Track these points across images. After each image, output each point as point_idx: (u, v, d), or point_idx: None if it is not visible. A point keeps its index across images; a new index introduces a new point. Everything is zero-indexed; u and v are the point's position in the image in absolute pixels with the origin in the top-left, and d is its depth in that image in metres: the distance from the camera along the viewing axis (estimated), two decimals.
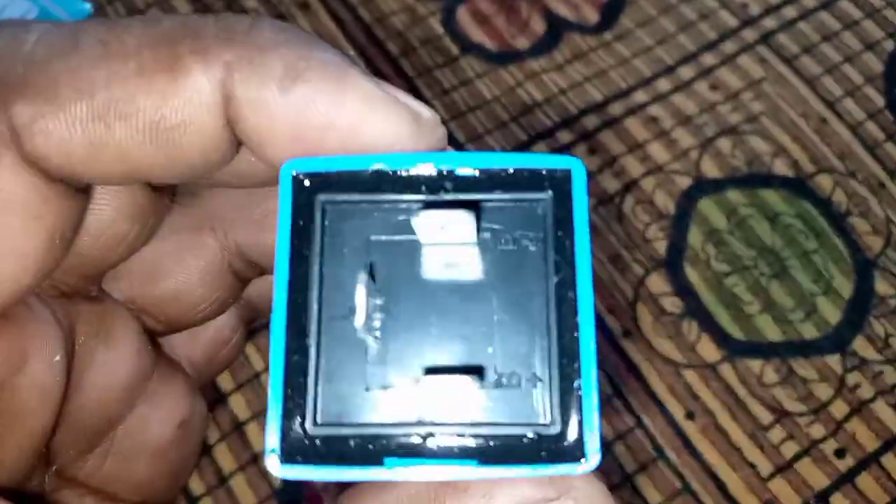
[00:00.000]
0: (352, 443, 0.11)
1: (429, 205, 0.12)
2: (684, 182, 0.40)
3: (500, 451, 0.11)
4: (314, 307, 0.12)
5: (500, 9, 0.45)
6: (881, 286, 0.38)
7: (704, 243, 0.39)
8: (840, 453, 0.35)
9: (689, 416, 0.35)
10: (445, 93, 0.42)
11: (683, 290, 0.38)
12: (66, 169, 0.13)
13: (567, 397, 0.11)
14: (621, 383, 0.36)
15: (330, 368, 0.12)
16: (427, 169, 0.12)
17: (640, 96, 0.42)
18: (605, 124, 0.41)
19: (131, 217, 0.15)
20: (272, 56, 0.12)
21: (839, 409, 0.35)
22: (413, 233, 0.12)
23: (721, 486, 0.34)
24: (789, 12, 0.44)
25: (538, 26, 0.44)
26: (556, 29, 0.44)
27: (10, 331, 0.14)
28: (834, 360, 0.36)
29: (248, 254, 0.17)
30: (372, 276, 0.12)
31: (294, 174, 0.12)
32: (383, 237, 0.12)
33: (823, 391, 0.36)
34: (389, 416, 0.11)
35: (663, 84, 0.42)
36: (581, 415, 0.11)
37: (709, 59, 0.43)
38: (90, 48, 0.12)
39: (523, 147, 0.41)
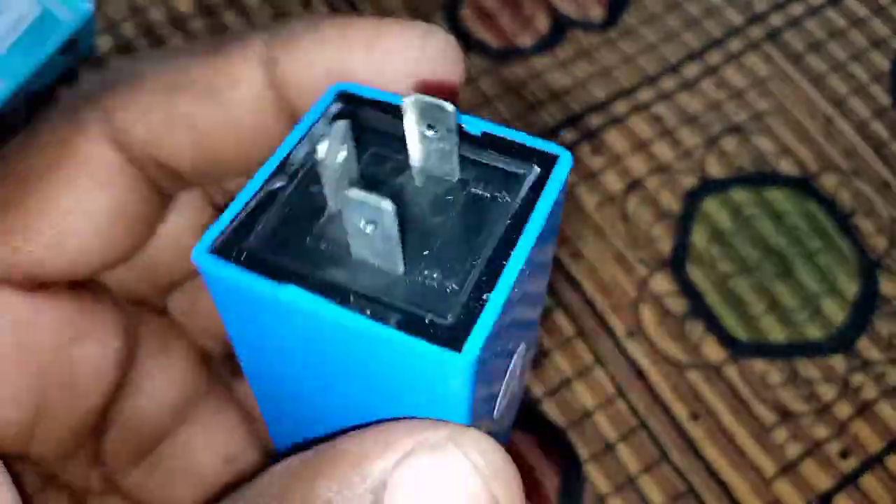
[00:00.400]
0: (271, 266, 0.12)
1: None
2: (689, 181, 0.40)
3: (394, 319, 0.12)
4: (301, 157, 0.13)
5: (504, 6, 0.44)
6: (886, 287, 0.38)
7: (709, 243, 0.39)
8: (844, 454, 0.35)
9: (693, 417, 0.35)
10: None
11: (688, 290, 0.38)
12: (145, 143, 0.15)
13: (472, 304, 0.12)
14: (625, 384, 0.36)
15: (288, 214, 0.13)
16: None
17: (644, 94, 0.42)
18: (609, 123, 0.41)
19: (203, 228, 0.17)
20: (296, 24, 0.15)
21: (843, 410, 0.35)
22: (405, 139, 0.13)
23: (725, 488, 0.34)
24: (796, 10, 0.44)
25: (542, 24, 0.44)
26: (560, 26, 0.44)
27: (74, 302, 0.15)
28: (838, 361, 0.36)
29: None
30: (362, 174, 0.13)
31: (337, 91, 0.14)
32: (382, 147, 0.14)
33: (827, 392, 0.36)
34: (315, 264, 0.12)
35: (668, 82, 0.42)
36: (476, 319, 0.11)
37: (714, 57, 0.43)
38: (167, 53, 0.15)
39: None
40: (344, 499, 0.11)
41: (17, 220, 0.14)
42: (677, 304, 0.37)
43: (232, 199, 0.13)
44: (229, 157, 0.15)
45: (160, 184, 0.15)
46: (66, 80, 0.42)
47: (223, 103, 0.14)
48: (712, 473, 0.34)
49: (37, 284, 0.14)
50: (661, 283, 0.38)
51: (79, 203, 0.14)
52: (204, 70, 0.14)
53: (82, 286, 0.16)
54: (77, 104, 0.15)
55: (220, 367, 0.20)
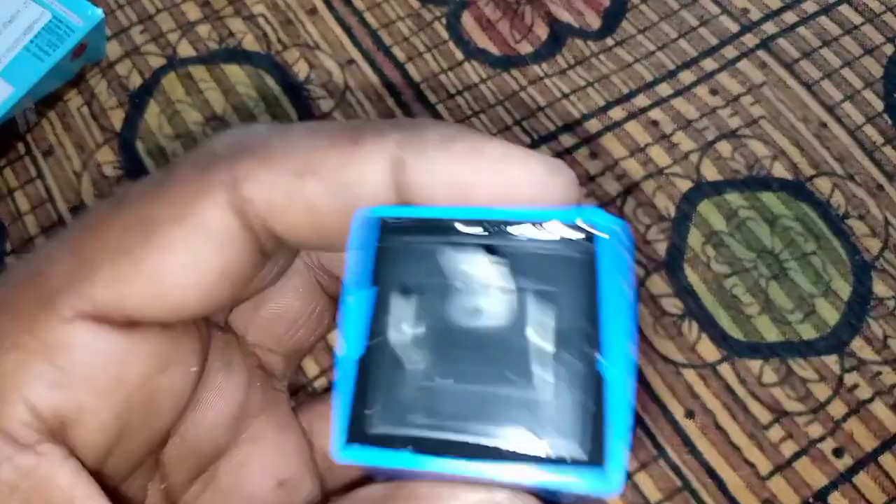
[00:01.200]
0: (399, 439, 0.13)
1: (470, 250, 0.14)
2: (685, 185, 0.40)
3: (530, 460, 0.13)
4: (373, 328, 0.14)
5: (504, 14, 0.45)
6: (879, 288, 0.38)
7: (704, 245, 0.39)
8: (838, 453, 0.35)
9: (689, 415, 0.36)
10: (450, 97, 0.43)
11: (683, 291, 0.38)
12: (265, 215, 0.15)
13: (596, 437, 0.13)
14: None
15: (387, 382, 0.14)
16: (489, 217, 0.14)
17: (641, 100, 0.43)
18: (607, 128, 0.42)
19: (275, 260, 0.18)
20: (431, 132, 0.15)
21: (837, 408, 0.36)
22: (459, 278, 0.14)
23: (720, 485, 0.35)
24: (790, 17, 0.45)
25: (541, 32, 0.45)
26: (559, 34, 0.45)
27: (166, 334, 0.16)
28: (832, 361, 0.37)
29: (331, 269, 0.20)
30: (421, 311, 0.14)
31: (370, 216, 0.15)
32: (434, 279, 0.14)
33: (822, 391, 0.36)
34: (432, 423, 0.13)
35: (664, 88, 0.43)
36: (610, 459, 0.13)
37: (709, 63, 0.44)
38: (300, 130, 0.16)
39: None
40: None
41: (130, 267, 0.15)
42: (673, 305, 0.38)
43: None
44: (340, 240, 0.16)
45: (268, 248, 0.16)
46: (76, 84, 0.43)
47: (347, 195, 0.15)
48: (708, 471, 0.35)
49: (132, 323, 0.15)
50: (658, 284, 0.38)
51: (191, 261, 0.15)
52: (336, 160, 0.15)
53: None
54: (210, 164, 0.15)
55: (277, 385, 0.20)
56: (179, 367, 0.16)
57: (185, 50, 0.44)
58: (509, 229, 0.14)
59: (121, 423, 0.15)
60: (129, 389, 0.15)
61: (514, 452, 0.13)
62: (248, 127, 0.16)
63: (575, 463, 0.13)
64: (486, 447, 0.13)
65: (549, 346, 0.13)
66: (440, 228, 0.14)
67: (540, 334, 0.13)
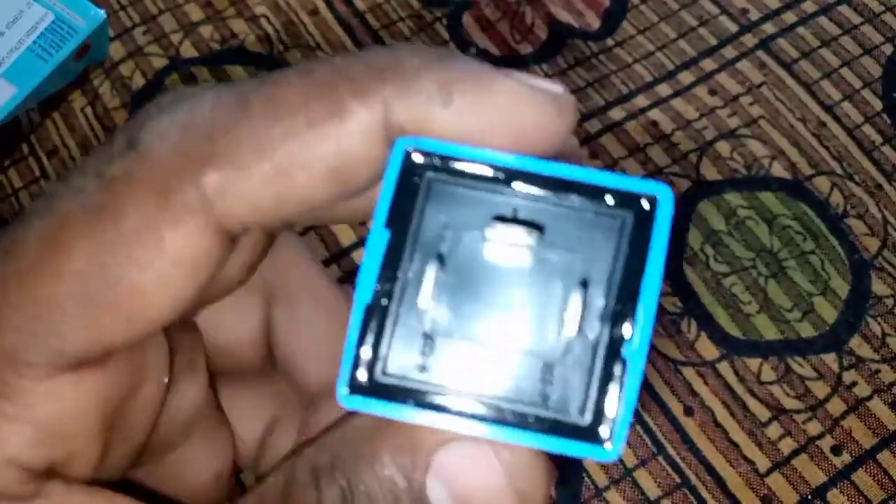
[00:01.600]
0: (403, 391, 0.13)
1: (502, 219, 0.14)
2: (684, 184, 0.41)
3: (531, 423, 0.13)
4: (394, 274, 0.14)
5: (505, 15, 0.46)
6: (877, 286, 0.38)
7: (703, 244, 0.39)
8: (836, 450, 0.35)
9: (688, 412, 0.36)
10: None
11: (683, 290, 0.38)
12: (255, 223, 0.14)
13: (602, 400, 0.13)
14: None
15: (400, 332, 0.14)
16: (526, 167, 0.14)
17: (640, 101, 0.43)
18: (607, 128, 0.42)
19: (249, 266, 0.17)
20: (424, 80, 0.13)
21: (836, 406, 0.36)
22: (487, 231, 0.14)
23: (719, 482, 0.35)
24: (789, 17, 0.45)
25: (541, 32, 0.45)
26: (559, 35, 0.45)
27: (136, 354, 0.15)
28: (831, 359, 0.37)
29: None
30: (443, 259, 0.14)
31: (407, 149, 0.14)
32: (463, 229, 0.14)
33: (820, 389, 0.36)
34: (439, 378, 0.13)
35: (664, 89, 0.43)
36: (615, 420, 0.13)
37: (709, 64, 0.44)
38: (262, 109, 0.13)
39: None
40: (400, 466, 0.14)
41: (105, 317, 0.14)
42: (673, 304, 0.38)
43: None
44: (327, 217, 0.15)
45: (237, 234, 0.15)
46: (79, 85, 0.43)
47: (342, 181, 0.14)
48: (707, 467, 0.35)
49: (107, 354, 0.15)
50: None
51: (166, 300, 0.14)
52: (326, 144, 0.13)
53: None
54: (174, 171, 0.13)
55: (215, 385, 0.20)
56: (152, 383, 0.16)
57: (187, 51, 0.45)
58: (547, 185, 0.13)
59: (105, 448, 0.15)
60: (110, 421, 0.15)
61: (519, 415, 0.13)
62: (191, 106, 0.14)
63: (577, 429, 0.13)
64: (492, 407, 0.13)
65: (568, 313, 0.13)
66: (481, 176, 0.14)
67: (562, 299, 0.13)
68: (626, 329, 0.13)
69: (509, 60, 0.44)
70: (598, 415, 0.13)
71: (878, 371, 0.37)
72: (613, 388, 0.13)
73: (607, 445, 0.13)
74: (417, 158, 0.13)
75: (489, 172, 0.13)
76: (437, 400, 0.13)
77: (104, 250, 0.13)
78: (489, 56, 0.44)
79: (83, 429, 0.15)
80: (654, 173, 0.41)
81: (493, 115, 0.13)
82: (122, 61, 0.44)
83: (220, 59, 0.44)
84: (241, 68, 0.44)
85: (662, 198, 0.13)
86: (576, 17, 0.45)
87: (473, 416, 0.13)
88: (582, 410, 0.13)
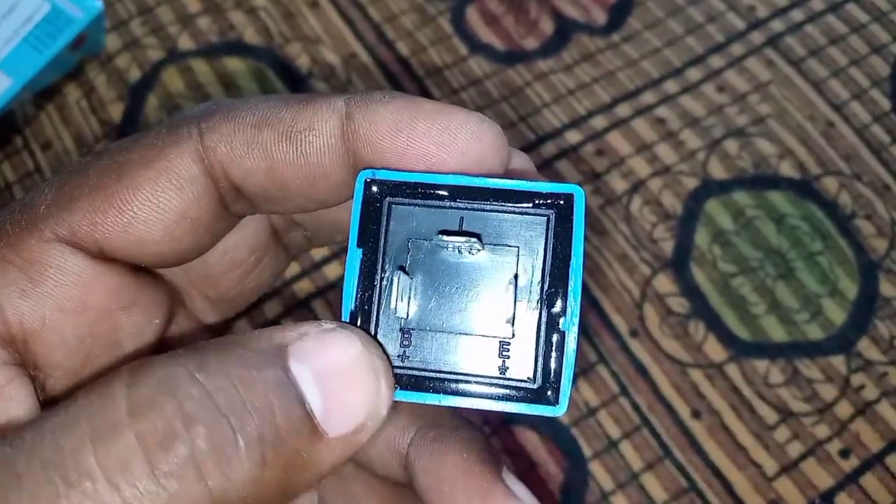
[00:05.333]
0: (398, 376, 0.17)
1: (449, 232, 0.17)
2: (691, 183, 0.40)
3: (493, 393, 0.17)
4: (371, 284, 0.17)
5: (509, 9, 0.45)
6: (886, 288, 0.38)
7: (711, 244, 0.39)
8: (845, 453, 0.35)
9: (696, 415, 0.36)
10: (454, 92, 0.42)
11: (690, 290, 0.38)
12: (226, 161, 0.17)
13: (548, 366, 0.16)
14: (628, 383, 0.36)
15: (381, 330, 0.17)
16: (463, 182, 0.17)
17: (647, 97, 0.42)
18: (613, 125, 0.41)
19: (255, 249, 0.21)
20: (376, 93, 0.17)
21: (844, 409, 0.36)
22: (440, 238, 0.17)
23: (727, 486, 0.34)
24: (797, 15, 0.44)
25: (546, 27, 0.44)
26: (565, 30, 0.44)
27: (131, 277, 0.18)
28: (839, 361, 0.37)
29: (299, 220, 0.22)
30: (409, 267, 0.17)
31: (366, 179, 0.17)
32: (421, 240, 0.17)
33: (828, 392, 0.36)
34: (418, 364, 0.17)
35: (671, 86, 0.43)
36: (560, 381, 0.16)
37: (716, 61, 0.43)
38: (261, 98, 0.18)
39: (531, 147, 0.41)
40: (253, 356, 0.15)
41: (102, 201, 0.17)
42: (680, 304, 0.38)
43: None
44: (295, 191, 0.17)
45: (229, 202, 0.18)
46: (75, 77, 0.42)
47: (298, 143, 0.17)
48: (714, 471, 0.35)
49: (107, 256, 0.17)
50: (664, 283, 0.38)
51: (153, 199, 0.17)
52: (289, 113, 0.17)
53: (143, 270, 0.18)
54: (180, 122, 0.18)
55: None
56: (142, 312, 0.18)
57: (185, 43, 0.44)
58: (483, 196, 0.17)
59: (83, 349, 0.17)
60: (92, 316, 0.17)
61: (483, 386, 0.16)
62: (217, 100, 0.18)
63: (530, 392, 0.16)
64: (460, 382, 0.16)
65: (514, 299, 0.16)
66: (429, 193, 0.17)
67: (508, 288, 0.17)
68: (560, 306, 0.16)
69: (513, 56, 0.43)
70: (546, 378, 0.16)
71: (885, 374, 0.36)
72: (556, 356, 0.16)
73: (555, 403, 0.16)
74: (376, 186, 0.17)
75: (437, 191, 0.17)
76: (417, 382, 0.16)
77: (123, 161, 0.17)
78: (493, 51, 0.44)
79: (62, 301, 0.17)
80: (662, 171, 0.40)
81: (419, 114, 0.17)
82: (119, 53, 0.43)
83: (219, 52, 0.43)
84: (239, 61, 0.43)
85: (577, 196, 0.16)
86: (581, 11, 0.45)
87: (446, 392, 0.16)
88: (532, 377, 0.16)
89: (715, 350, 0.37)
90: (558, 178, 0.40)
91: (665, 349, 0.37)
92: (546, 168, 0.40)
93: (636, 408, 0.36)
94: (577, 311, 0.16)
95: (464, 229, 0.17)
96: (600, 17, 0.45)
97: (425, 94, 0.42)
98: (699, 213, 0.39)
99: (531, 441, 0.35)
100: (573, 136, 0.41)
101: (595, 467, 0.35)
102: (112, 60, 0.43)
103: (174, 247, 0.17)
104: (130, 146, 0.17)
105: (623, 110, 0.42)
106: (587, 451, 0.35)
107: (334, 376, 0.15)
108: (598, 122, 0.42)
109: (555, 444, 0.35)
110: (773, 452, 0.35)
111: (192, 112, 0.18)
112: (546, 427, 0.35)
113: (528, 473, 0.34)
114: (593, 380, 0.36)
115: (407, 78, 0.43)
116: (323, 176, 0.17)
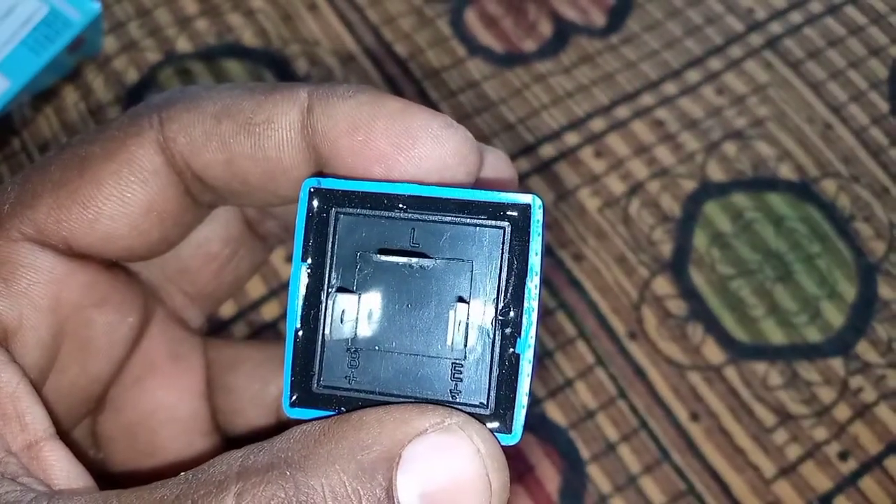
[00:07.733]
0: (336, 399, 0.16)
1: (390, 251, 0.16)
2: (690, 185, 0.40)
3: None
4: (317, 300, 0.16)
5: (508, 11, 0.45)
6: (884, 290, 0.38)
7: (710, 246, 0.39)
8: (843, 456, 0.35)
9: (694, 417, 0.36)
10: (453, 95, 0.42)
11: (688, 292, 0.38)
12: (186, 152, 0.17)
13: (502, 395, 0.15)
14: (626, 385, 0.36)
15: (328, 350, 0.16)
16: (413, 192, 0.16)
17: (646, 100, 0.42)
18: (612, 127, 0.41)
19: (230, 241, 0.20)
20: (341, 86, 0.16)
21: (842, 412, 0.36)
22: (390, 251, 0.16)
23: (725, 488, 0.34)
24: (795, 18, 0.44)
25: (545, 29, 0.44)
26: (563, 32, 0.44)
27: (102, 274, 0.18)
28: (837, 364, 0.37)
29: (272, 211, 0.21)
30: (358, 283, 0.16)
31: (311, 188, 0.16)
32: (369, 253, 0.16)
33: (827, 394, 0.36)
34: (365, 385, 0.16)
35: (669, 88, 0.43)
36: (513, 407, 0.15)
37: (715, 63, 0.43)
38: (227, 87, 0.17)
39: (530, 149, 0.41)
40: (361, 464, 0.13)
41: (66, 197, 0.16)
42: (678, 307, 0.38)
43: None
44: (255, 184, 0.17)
45: (196, 193, 0.17)
46: (72, 79, 0.42)
47: (257, 136, 0.16)
48: (712, 473, 0.35)
49: (75, 253, 0.17)
50: (663, 286, 0.38)
51: (117, 193, 0.16)
52: (250, 104, 0.16)
53: (116, 266, 0.18)
54: (142, 111, 0.17)
55: (191, 334, 0.21)
56: (115, 310, 0.18)
57: (183, 45, 0.44)
58: (436, 207, 0.15)
59: (56, 346, 0.17)
60: (65, 313, 0.17)
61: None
62: (182, 87, 0.18)
63: (482, 418, 0.15)
64: (410, 405, 0.15)
65: (467, 318, 0.15)
66: (378, 203, 0.16)
67: (460, 307, 0.15)
68: (515, 326, 0.15)
69: (512, 58, 0.43)
70: (498, 404, 0.15)
71: (884, 376, 0.36)
72: (509, 380, 0.15)
73: (508, 431, 0.15)
74: (321, 196, 0.16)
75: (387, 201, 0.16)
76: (364, 406, 0.15)
77: (86, 155, 0.17)
78: (491, 53, 0.44)
79: (37, 300, 0.16)
80: (660, 174, 0.40)
81: (378, 111, 0.16)
82: (116, 56, 0.43)
83: (217, 55, 0.43)
84: (237, 63, 0.43)
85: (533, 206, 0.15)
86: (580, 13, 0.45)
87: None
88: (486, 402, 0.15)
89: (713, 352, 0.37)
90: (556, 181, 0.40)
91: (663, 351, 0.37)
92: (544, 170, 0.40)
93: (634, 410, 0.36)
94: (532, 333, 0.15)
95: (411, 245, 0.16)
96: (599, 19, 0.45)
97: (423, 96, 0.42)
98: (698, 216, 0.39)
99: (528, 443, 0.35)
100: (571, 139, 0.41)
101: (593, 470, 0.35)
102: (110, 63, 0.43)
103: (143, 240, 0.17)
104: (92, 139, 0.17)
105: (621, 112, 0.42)
106: (585, 453, 0.35)
107: (442, 499, 0.14)
108: (597, 124, 0.42)
109: (552, 446, 0.35)
110: (771, 455, 0.35)
111: (154, 100, 0.17)
112: (543, 430, 0.35)
113: (526, 476, 0.34)
114: (591, 382, 0.36)
115: (405, 80, 0.43)
116: (283, 171, 0.17)
